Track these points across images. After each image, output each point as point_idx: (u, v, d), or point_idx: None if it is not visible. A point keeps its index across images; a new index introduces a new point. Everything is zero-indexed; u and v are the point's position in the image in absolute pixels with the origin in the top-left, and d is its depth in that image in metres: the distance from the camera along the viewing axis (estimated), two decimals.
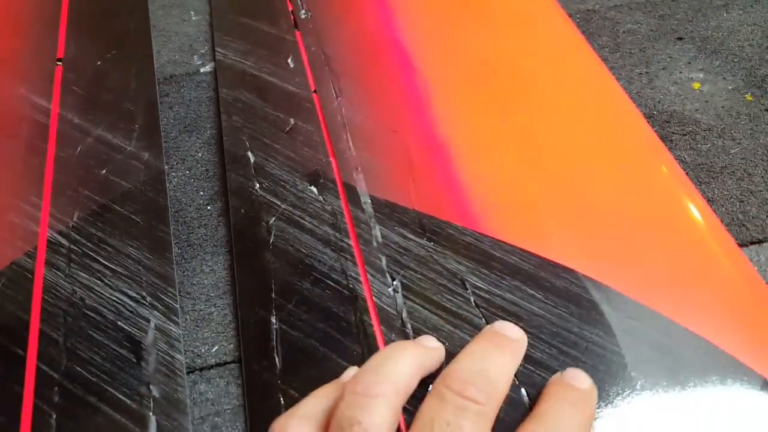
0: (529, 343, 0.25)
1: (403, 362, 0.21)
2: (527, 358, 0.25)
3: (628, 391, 0.24)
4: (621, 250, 0.29)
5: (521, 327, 0.24)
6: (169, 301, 0.27)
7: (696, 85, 0.44)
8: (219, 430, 0.25)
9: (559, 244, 0.29)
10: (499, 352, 0.22)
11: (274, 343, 0.26)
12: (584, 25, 0.49)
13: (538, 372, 0.24)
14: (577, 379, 0.22)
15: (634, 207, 0.31)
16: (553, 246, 0.29)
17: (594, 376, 0.24)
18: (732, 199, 0.36)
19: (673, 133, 0.40)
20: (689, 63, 0.45)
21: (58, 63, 0.37)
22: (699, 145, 0.39)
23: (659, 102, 0.42)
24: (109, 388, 0.24)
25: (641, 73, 0.44)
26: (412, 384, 0.21)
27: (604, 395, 0.24)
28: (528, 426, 0.20)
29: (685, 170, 0.36)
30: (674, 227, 0.30)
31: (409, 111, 0.35)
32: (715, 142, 0.40)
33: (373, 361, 0.21)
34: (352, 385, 0.20)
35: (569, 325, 0.26)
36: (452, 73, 0.38)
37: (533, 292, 0.27)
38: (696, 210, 0.31)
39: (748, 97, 0.43)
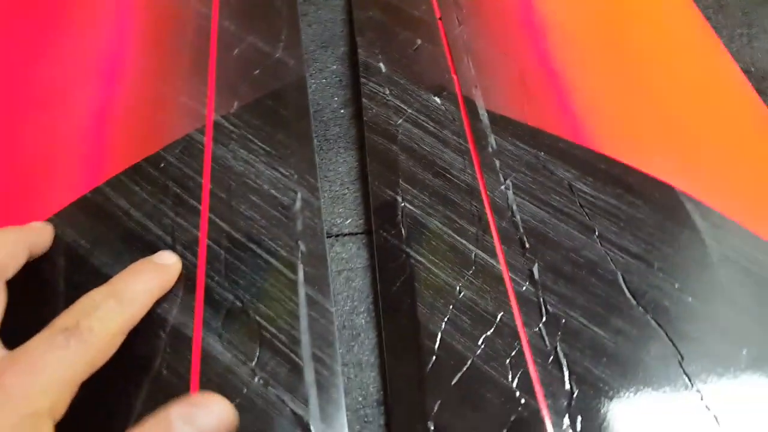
0: (628, 239, 0.29)
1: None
2: (627, 251, 0.28)
3: (719, 302, 0.27)
4: (716, 172, 0.32)
5: (617, 226, 0.28)
6: (311, 179, 0.32)
7: None
8: (352, 282, 0.30)
9: (659, 162, 0.32)
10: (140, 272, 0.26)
11: (400, 217, 0.30)
12: None
13: (636, 262, 0.28)
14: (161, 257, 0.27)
15: (728, 137, 0.34)
16: (654, 163, 0.32)
17: (686, 280, 0.27)
18: None
19: None
20: None
21: None
22: None
23: (757, 60, 0.43)
24: (266, 239, 0.30)
25: (742, 34, 0.45)
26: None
27: (694, 302, 0.27)
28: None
29: None
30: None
31: (526, 40, 0.38)
32: None
33: None
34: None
35: (665, 228, 0.29)
36: (568, 13, 0.41)
37: (633, 200, 0.30)
38: None
39: None
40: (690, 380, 0.25)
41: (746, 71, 0.42)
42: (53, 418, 0.21)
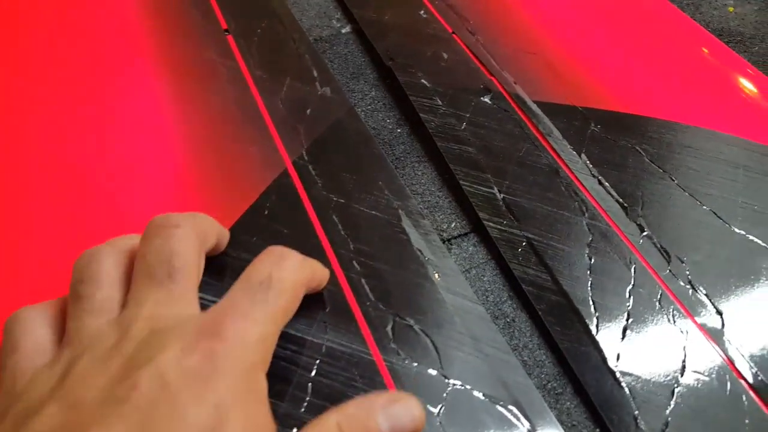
0: (702, 181, 0.33)
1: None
2: (705, 194, 0.33)
3: None
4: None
5: (691, 171, 0.32)
6: (404, 194, 0.34)
7: (730, 9, 0.53)
8: (483, 276, 0.31)
9: (699, 113, 0.37)
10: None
11: (505, 208, 0.33)
12: None
13: (718, 197, 0.32)
14: None
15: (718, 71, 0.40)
16: (693, 115, 0.37)
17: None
18: None
19: (727, 42, 0.49)
20: None
21: (225, 33, 0.43)
22: (749, 48, 0.48)
23: (709, 23, 0.51)
24: (390, 256, 0.31)
25: (688, 4, 0.53)
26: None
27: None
28: None
29: None
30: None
31: (539, 35, 0.43)
32: (760, 45, 0.49)
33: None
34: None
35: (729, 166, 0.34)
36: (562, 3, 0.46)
37: (692, 150, 0.35)
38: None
39: None
40: None
41: (719, 36, 0.50)
42: (264, 369, 0.21)
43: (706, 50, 0.43)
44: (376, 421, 0.21)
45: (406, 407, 0.22)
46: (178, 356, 0.18)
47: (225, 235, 0.27)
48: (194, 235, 0.23)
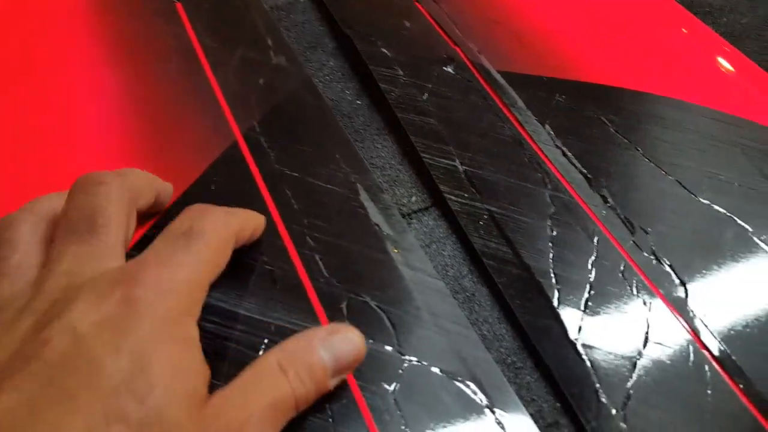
0: (667, 151, 0.32)
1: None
2: (670, 164, 0.32)
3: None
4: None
5: (656, 141, 0.31)
6: (362, 168, 0.32)
7: None
8: (443, 251, 0.30)
9: (665, 83, 0.36)
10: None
11: (467, 180, 0.31)
12: None
13: (682, 167, 0.32)
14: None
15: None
16: (660, 84, 0.36)
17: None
18: (753, 56, 0.44)
19: (696, 12, 0.48)
20: None
21: (175, 1, 0.40)
22: (717, 20, 0.48)
23: None
24: (347, 231, 0.29)
25: None
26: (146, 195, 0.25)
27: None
28: None
29: None
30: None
31: (503, 2, 0.41)
32: (728, 17, 0.48)
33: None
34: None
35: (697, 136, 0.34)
36: None
37: (656, 119, 0.34)
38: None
39: None
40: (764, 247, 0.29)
41: (689, 7, 0.49)
42: (193, 317, 0.20)
43: (673, 20, 0.42)
44: (318, 355, 0.21)
45: (345, 337, 0.22)
46: (90, 306, 0.17)
47: (166, 190, 0.26)
48: (121, 191, 0.22)
